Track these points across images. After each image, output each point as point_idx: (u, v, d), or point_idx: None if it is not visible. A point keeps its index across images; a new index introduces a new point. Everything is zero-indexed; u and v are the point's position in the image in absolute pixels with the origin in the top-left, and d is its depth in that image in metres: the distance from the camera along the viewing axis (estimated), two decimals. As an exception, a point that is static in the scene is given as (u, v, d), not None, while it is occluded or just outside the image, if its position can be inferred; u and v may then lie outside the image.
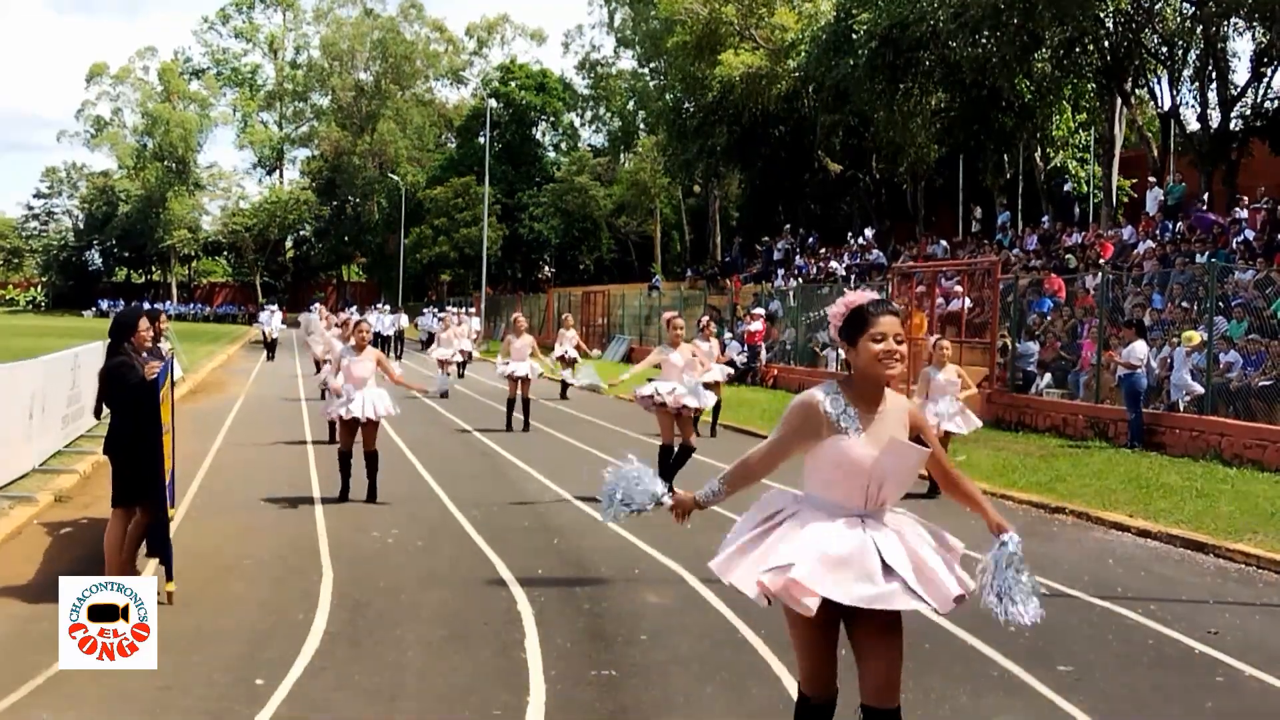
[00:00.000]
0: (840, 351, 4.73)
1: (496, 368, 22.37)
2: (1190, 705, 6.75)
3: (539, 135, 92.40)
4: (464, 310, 45.04)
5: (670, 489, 4.94)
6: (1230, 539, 11.46)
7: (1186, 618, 8.77)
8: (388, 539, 11.15)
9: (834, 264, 40.29)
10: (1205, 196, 29.89)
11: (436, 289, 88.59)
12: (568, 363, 28.30)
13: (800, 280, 39.25)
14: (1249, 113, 33.37)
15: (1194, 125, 34.70)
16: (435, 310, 60.11)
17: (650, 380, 14.16)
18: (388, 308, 53.08)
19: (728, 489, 4.78)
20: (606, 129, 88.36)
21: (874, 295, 4.72)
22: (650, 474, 4.88)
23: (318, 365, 21.01)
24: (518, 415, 21.40)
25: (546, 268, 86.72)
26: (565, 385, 28.40)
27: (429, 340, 52.35)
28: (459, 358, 32.12)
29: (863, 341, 4.57)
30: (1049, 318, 24.57)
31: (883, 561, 4.49)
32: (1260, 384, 17.53)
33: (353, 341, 13.48)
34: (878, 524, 4.60)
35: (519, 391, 21.48)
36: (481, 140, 77.79)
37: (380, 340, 40.15)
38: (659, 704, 6.56)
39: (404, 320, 52.39)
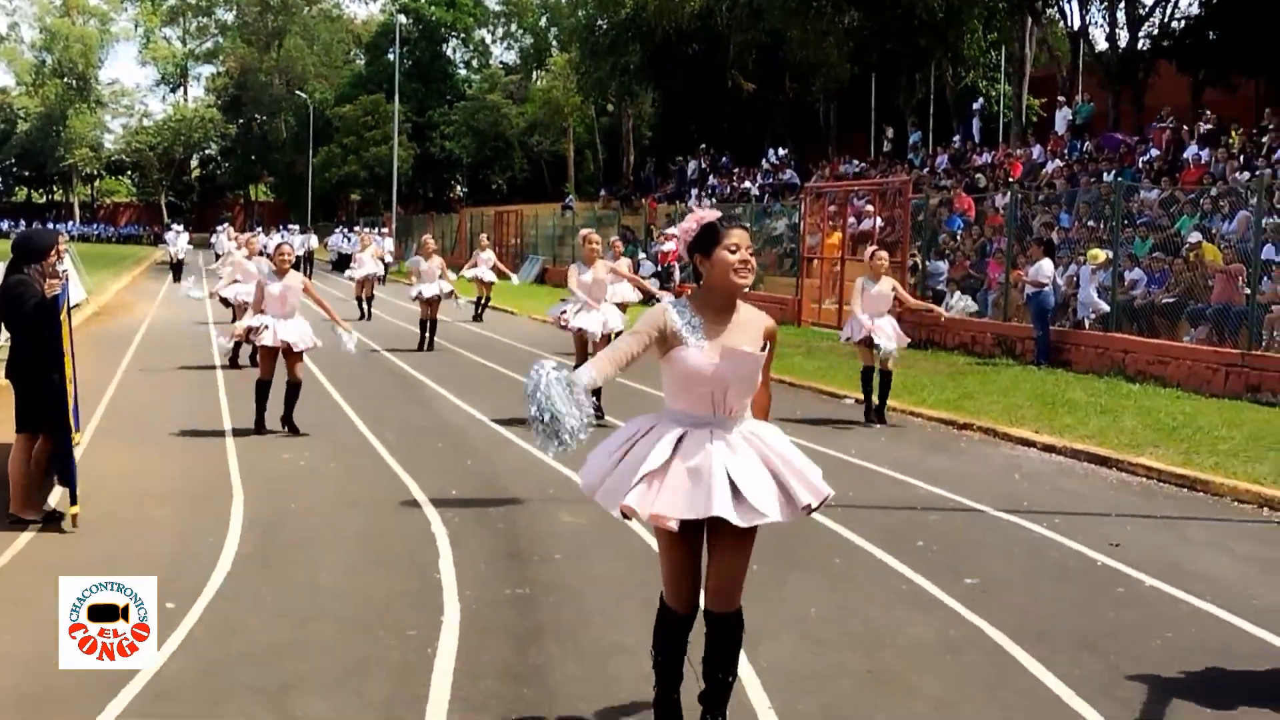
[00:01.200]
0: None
1: (410, 290, 22.13)
2: (1093, 615, 6.91)
3: (450, 52, 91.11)
4: (376, 230, 44.40)
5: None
6: (1132, 453, 11.71)
7: (1090, 531, 8.96)
8: (299, 462, 11.06)
9: (747, 184, 40.32)
10: (1113, 116, 30.23)
11: (346, 209, 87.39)
12: (484, 285, 28.04)
13: (714, 200, 39.22)
14: (1156, 33, 33.70)
15: (1103, 45, 35.01)
16: (345, 230, 59.33)
17: (563, 300, 14.05)
18: (296, 228, 52.31)
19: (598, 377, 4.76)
20: (518, 46, 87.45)
21: (719, 214, 4.84)
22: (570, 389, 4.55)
23: (227, 304, 19.23)
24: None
25: (458, 187, 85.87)
26: (480, 306, 28.14)
27: (340, 261, 51.69)
28: (379, 270, 31.06)
29: (718, 252, 4.67)
30: (959, 236, 24.81)
31: (727, 473, 4.59)
32: (1163, 301, 17.85)
33: (273, 266, 12.89)
34: (725, 433, 4.69)
35: (431, 313, 21.40)
36: (391, 57, 76.47)
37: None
38: (574, 622, 6.59)
39: (313, 241, 51.65)
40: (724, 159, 45.95)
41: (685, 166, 47.14)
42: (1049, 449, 12.39)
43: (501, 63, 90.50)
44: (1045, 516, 9.39)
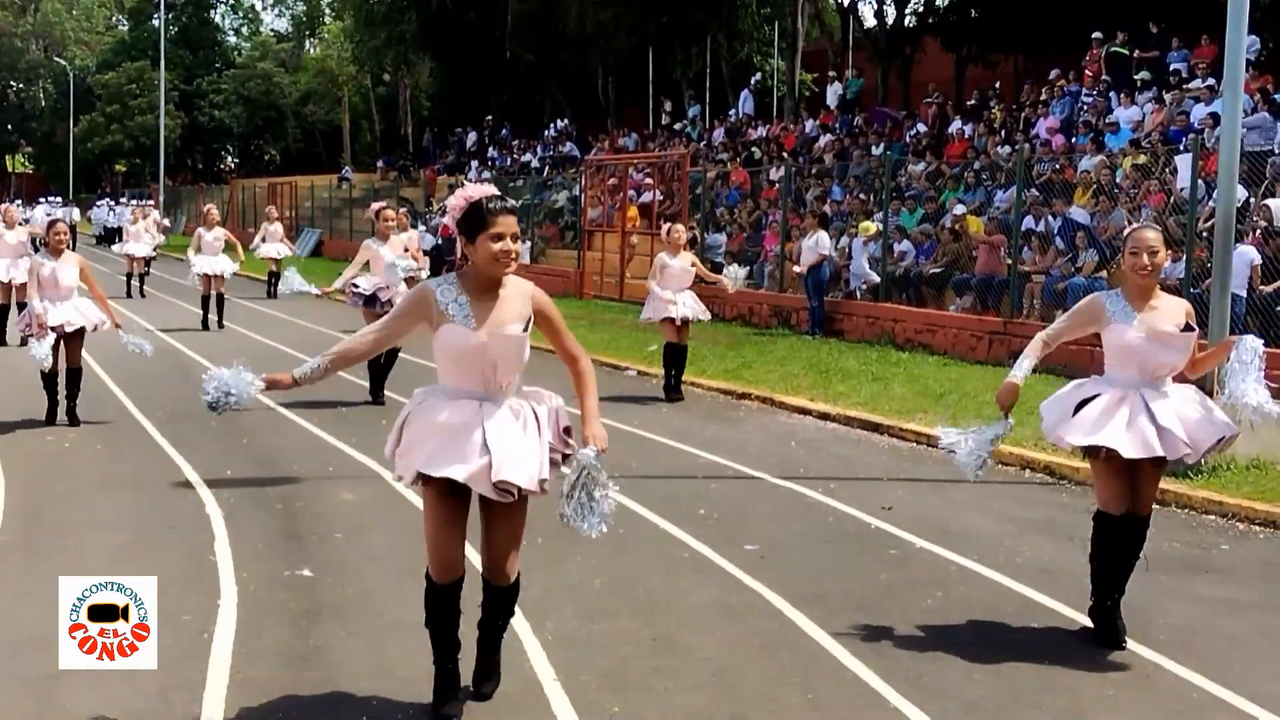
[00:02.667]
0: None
1: (191, 265, 20.66)
2: (866, 577, 7.14)
3: (218, 19, 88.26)
4: (144, 203, 42.74)
5: (265, 377, 4.90)
6: (903, 419, 12.13)
7: (863, 495, 9.25)
8: (64, 444, 10.65)
9: (528, 156, 40.21)
10: (881, 92, 31.10)
11: (111, 180, 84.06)
12: (275, 261, 27.15)
13: (494, 171, 39.02)
14: (922, 10, 34.76)
15: (871, 22, 35.98)
16: (110, 202, 57.07)
17: (355, 279, 13.55)
18: (59, 200, 50.05)
19: (329, 367, 4.89)
20: (290, 13, 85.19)
21: (491, 190, 4.85)
22: (243, 372, 4.84)
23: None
24: (213, 315, 20.59)
25: (229, 158, 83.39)
26: (271, 283, 26.80)
27: (106, 235, 49.73)
28: (152, 253, 29.57)
29: (481, 240, 4.72)
30: (736, 209, 25.22)
31: (485, 442, 4.68)
32: (931, 272, 18.49)
33: (44, 242, 11.78)
34: (495, 406, 4.78)
35: (212, 288, 20.44)
36: (156, 23, 73.67)
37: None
38: (354, 601, 6.52)
39: (75, 214, 49.55)
40: (504, 130, 45.71)
41: (465, 138, 46.75)
42: (824, 416, 12.73)
43: (273, 30, 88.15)
44: (821, 482, 9.66)
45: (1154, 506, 9.08)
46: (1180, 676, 5.63)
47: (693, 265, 14.01)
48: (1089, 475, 9.81)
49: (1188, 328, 5.91)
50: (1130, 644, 5.97)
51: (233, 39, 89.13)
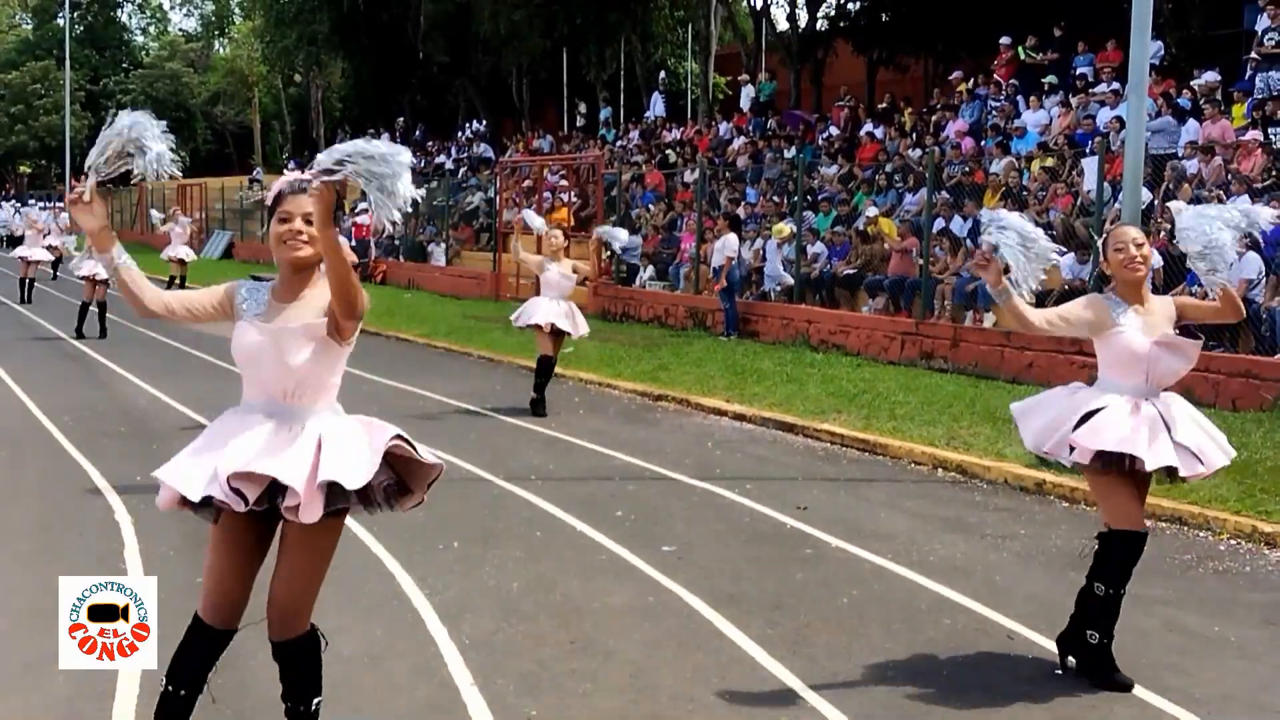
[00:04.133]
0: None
1: (75, 266, 19.81)
2: (782, 576, 7.18)
3: (125, 18, 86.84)
4: (54, 205, 41.86)
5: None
6: (817, 419, 12.21)
7: (779, 495, 9.30)
8: (-33, 451, 10.42)
9: (442, 157, 39.99)
10: (794, 94, 31.31)
11: (16, 182, 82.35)
12: (180, 263, 26.64)
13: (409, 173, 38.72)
14: (833, 14, 35.02)
15: (784, 25, 36.22)
16: (16, 205, 55.94)
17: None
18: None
19: (132, 280, 4.13)
20: (199, 13, 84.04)
21: (304, 176, 4.16)
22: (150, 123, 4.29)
23: None
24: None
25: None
26: (173, 286, 26.16)
27: (9, 239, 48.79)
28: (48, 256, 28.84)
29: (272, 224, 4.17)
30: (651, 211, 25.25)
31: (284, 456, 4.00)
32: (844, 273, 18.63)
33: None
34: (296, 418, 4.11)
35: (94, 294, 19.34)
36: (60, 21, 72.35)
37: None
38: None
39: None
40: (418, 131, 45.41)
41: (377, 139, 46.41)
42: (739, 417, 12.79)
43: (181, 30, 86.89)
44: (737, 483, 9.69)
45: (1064, 504, 9.27)
46: (1090, 671, 5.72)
47: (574, 271, 13.01)
48: (1000, 475, 9.98)
49: (1187, 331, 5.74)
50: (1040, 639, 6.05)
51: (140, 38, 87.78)
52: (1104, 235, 5.82)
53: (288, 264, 4.16)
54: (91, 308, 19.52)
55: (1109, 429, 5.44)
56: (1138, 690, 5.47)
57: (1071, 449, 5.52)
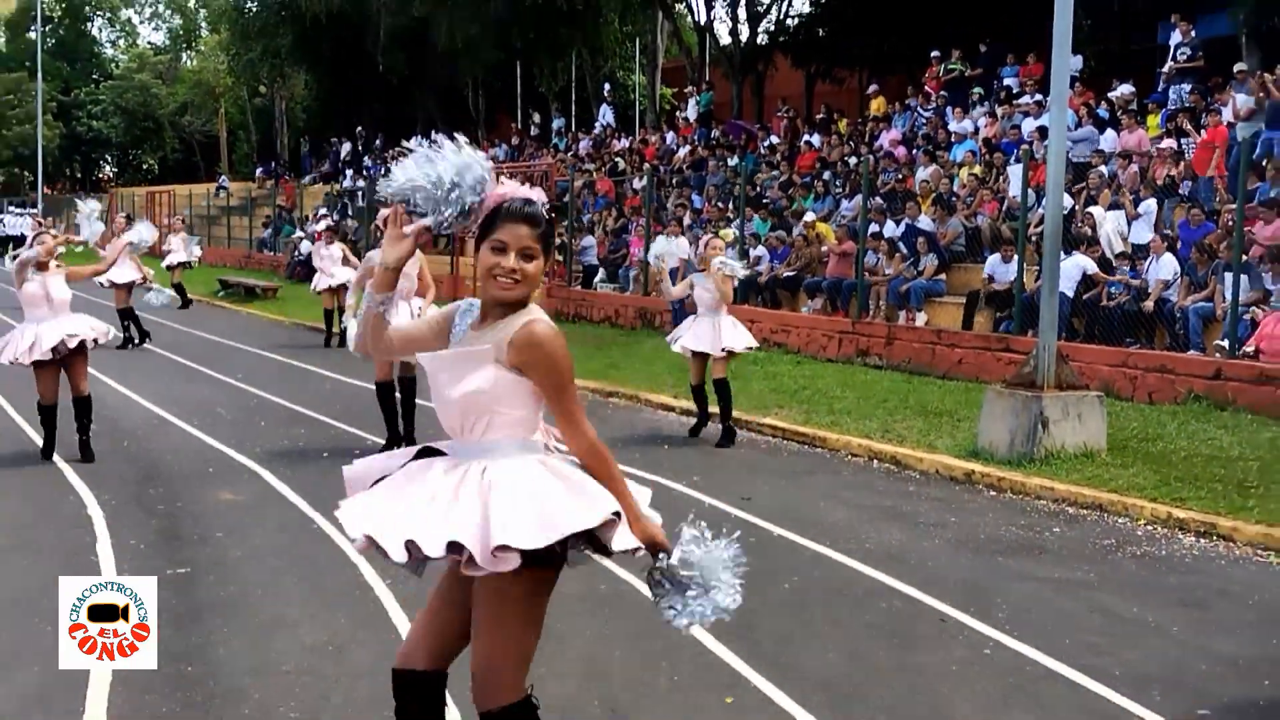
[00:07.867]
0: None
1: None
2: (727, 564, 7.18)
3: (95, 31, 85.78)
4: (30, 211, 41.22)
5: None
6: (760, 414, 12.24)
7: (724, 487, 9.31)
8: (-58, 450, 10.25)
9: (401, 165, 39.77)
10: (736, 105, 31.38)
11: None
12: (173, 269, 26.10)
13: (369, 180, 38.52)
14: (774, 29, 35.12)
15: (726, 39, 36.27)
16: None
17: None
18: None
19: (377, 326, 3.77)
20: (167, 27, 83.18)
21: (527, 192, 3.77)
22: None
23: None
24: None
25: (108, 167, 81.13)
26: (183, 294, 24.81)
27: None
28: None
29: (483, 249, 3.75)
30: (602, 216, 25.24)
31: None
32: (785, 275, 18.68)
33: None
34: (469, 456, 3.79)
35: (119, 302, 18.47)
36: (33, 35, 71.50)
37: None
38: (235, 599, 6.37)
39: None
40: (378, 140, 45.15)
41: (339, 148, 46.10)
42: (687, 413, 12.78)
43: (150, 43, 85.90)
44: (685, 475, 9.69)
45: (991, 493, 9.33)
46: (1018, 651, 5.76)
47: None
48: (932, 466, 10.05)
49: None
50: (971, 621, 6.09)
51: (110, 51, 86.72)
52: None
53: (491, 299, 3.78)
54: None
55: None
56: (1062, 669, 5.52)
57: None
